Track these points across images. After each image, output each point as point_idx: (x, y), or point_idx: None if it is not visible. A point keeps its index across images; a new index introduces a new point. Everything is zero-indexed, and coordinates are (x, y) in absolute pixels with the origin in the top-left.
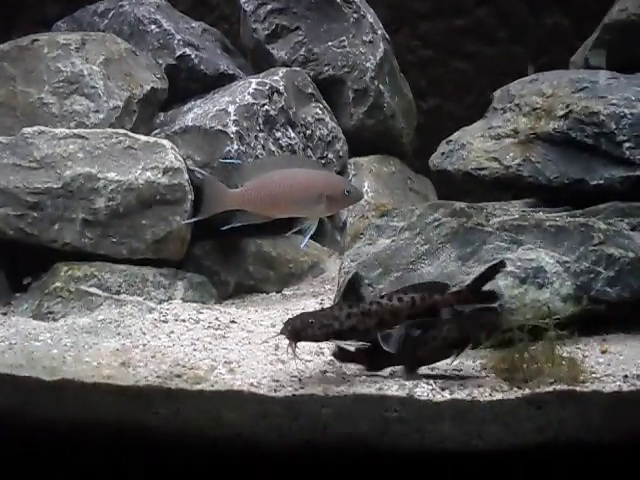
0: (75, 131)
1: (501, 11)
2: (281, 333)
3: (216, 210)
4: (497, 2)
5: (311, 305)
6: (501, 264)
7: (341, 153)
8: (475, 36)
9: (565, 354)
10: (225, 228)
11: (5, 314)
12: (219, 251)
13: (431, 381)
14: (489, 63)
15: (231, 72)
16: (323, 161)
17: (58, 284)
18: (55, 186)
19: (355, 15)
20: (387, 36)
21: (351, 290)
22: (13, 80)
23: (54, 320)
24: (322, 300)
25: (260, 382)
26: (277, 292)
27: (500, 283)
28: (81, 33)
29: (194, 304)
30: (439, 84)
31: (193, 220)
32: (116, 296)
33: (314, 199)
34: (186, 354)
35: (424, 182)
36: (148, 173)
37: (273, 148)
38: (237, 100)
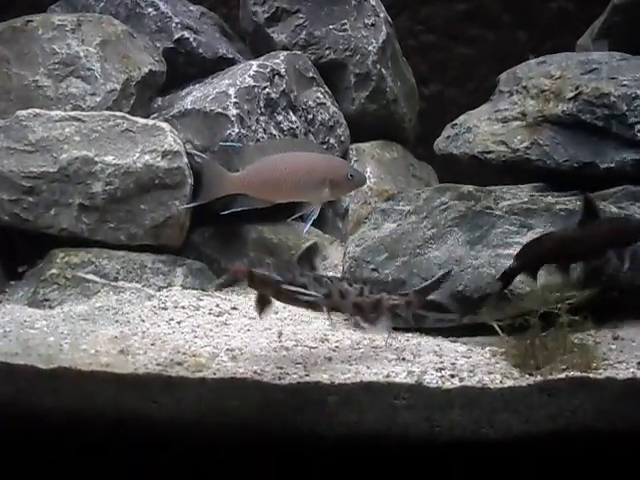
0: (71, 114)
1: None
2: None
3: (216, 194)
4: None
5: None
6: (447, 274)
7: (343, 138)
8: (478, 20)
9: (577, 341)
10: (225, 213)
11: (0, 302)
12: (219, 238)
13: (440, 367)
14: (492, 48)
15: (230, 56)
16: (325, 146)
17: (54, 271)
18: (51, 170)
19: None
20: (390, 19)
21: (305, 258)
22: (7, 62)
23: (50, 308)
24: None
25: (264, 369)
26: None
27: None
28: (77, 14)
29: (194, 291)
30: (441, 69)
31: (192, 205)
32: (114, 283)
33: (317, 183)
34: (187, 341)
35: (426, 169)
36: (147, 156)
37: (274, 132)
38: (238, 82)
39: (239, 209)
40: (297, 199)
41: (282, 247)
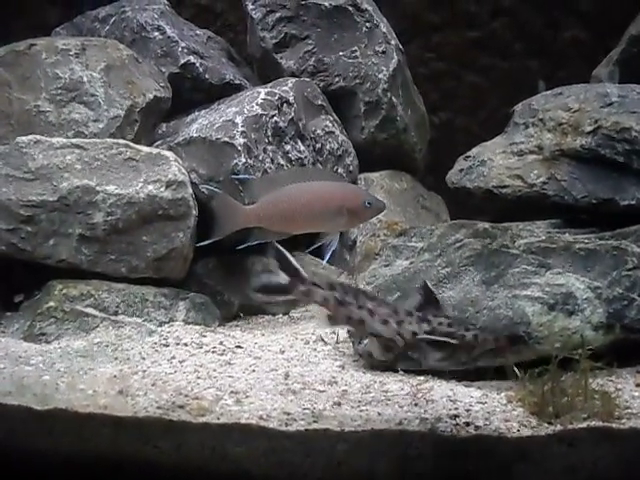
0: (73, 141)
1: (517, 23)
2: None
3: (231, 229)
4: (513, 14)
5: (320, 328)
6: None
7: (351, 168)
8: (489, 49)
9: (597, 386)
10: (241, 247)
11: None
12: (223, 269)
13: (454, 414)
14: (504, 77)
15: (237, 82)
16: None
17: (52, 303)
18: (51, 199)
19: (368, 24)
20: (401, 47)
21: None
22: (8, 86)
23: (47, 342)
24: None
25: (270, 415)
26: (284, 314)
27: (528, 310)
28: (81, 38)
29: (196, 327)
30: (451, 98)
31: (208, 242)
32: (114, 317)
33: (334, 213)
34: (189, 382)
35: (435, 199)
36: (150, 186)
37: (282, 162)
38: (245, 111)
39: (254, 242)
40: (314, 230)
41: None
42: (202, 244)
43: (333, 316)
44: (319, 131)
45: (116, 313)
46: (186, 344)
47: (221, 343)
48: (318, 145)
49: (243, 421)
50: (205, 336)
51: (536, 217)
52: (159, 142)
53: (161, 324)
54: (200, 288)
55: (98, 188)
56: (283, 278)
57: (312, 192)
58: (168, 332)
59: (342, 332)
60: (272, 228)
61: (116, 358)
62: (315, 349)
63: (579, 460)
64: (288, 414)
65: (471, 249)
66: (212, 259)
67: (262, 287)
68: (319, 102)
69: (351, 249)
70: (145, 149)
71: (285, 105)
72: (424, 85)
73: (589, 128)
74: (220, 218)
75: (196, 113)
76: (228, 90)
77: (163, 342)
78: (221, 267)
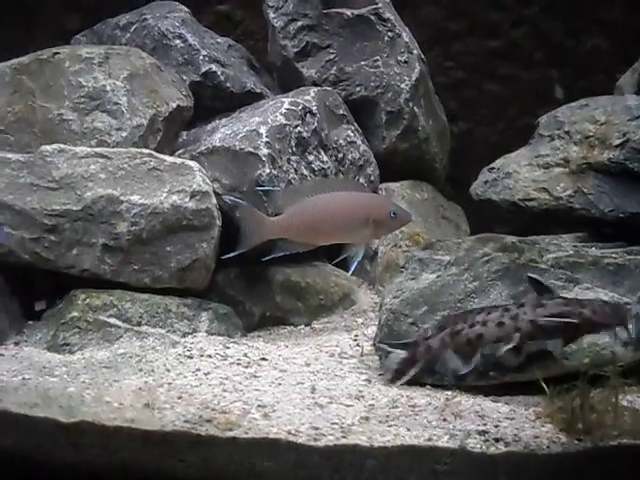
0: (97, 150)
1: (537, 33)
2: None
3: (257, 241)
4: (533, 23)
5: (344, 340)
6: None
7: (372, 178)
8: (510, 58)
9: (627, 404)
10: (266, 259)
11: (17, 344)
12: (244, 279)
13: (483, 430)
14: (524, 87)
15: (258, 90)
16: None
17: (75, 313)
18: (74, 208)
19: (390, 34)
20: (423, 56)
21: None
22: (32, 95)
23: (70, 353)
24: (356, 335)
25: (298, 429)
26: (306, 325)
27: None
28: (104, 47)
29: (220, 337)
30: (471, 107)
31: (234, 254)
32: (137, 328)
33: (359, 224)
34: (215, 395)
35: (456, 210)
36: (174, 197)
37: (305, 172)
38: (269, 121)
39: (280, 254)
40: (340, 241)
41: (310, 291)
42: (227, 256)
43: (458, 348)
44: (341, 141)
45: (139, 324)
46: (210, 356)
47: (245, 355)
48: (340, 155)
49: (272, 436)
50: (229, 347)
51: (558, 230)
52: (181, 151)
53: (184, 335)
54: (221, 298)
55: (122, 198)
56: (402, 354)
57: (337, 203)
58: (192, 343)
59: (366, 345)
60: (297, 240)
61: (140, 369)
62: (340, 362)
63: (610, 478)
64: (316, 429)
65: (499, 263)
66: (233, 269)
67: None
68: (341, 112)
69: (372, 259)
70: (169, 159)
71: (308, 115)
72: (443, 94)
73: (617, 141)
74: (245, 230)
75: (217, 122)
76: (249, 98)
77: (187, 353)
78: (243, 277)
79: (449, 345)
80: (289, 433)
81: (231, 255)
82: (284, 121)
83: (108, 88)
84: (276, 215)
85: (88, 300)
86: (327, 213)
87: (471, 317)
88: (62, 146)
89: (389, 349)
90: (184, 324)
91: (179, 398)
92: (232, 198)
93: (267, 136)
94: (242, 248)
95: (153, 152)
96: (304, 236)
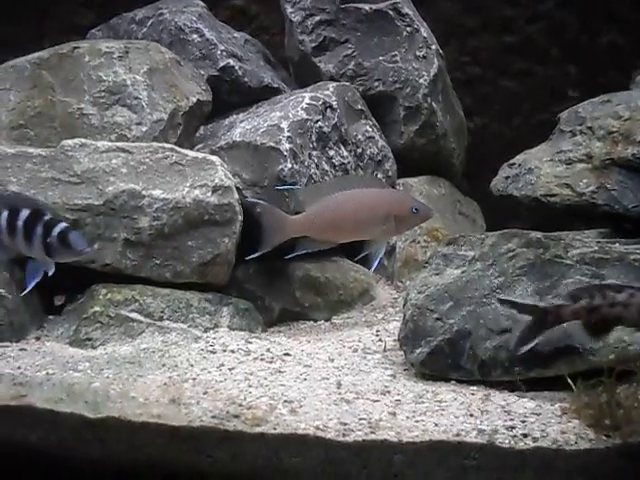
0: (119, 144)
1: (553, 29)
2: None
3: (279, 240)
4: (549, 19)
5: (366, 336)
6: None
7: (390, 173)
8: (526, 54)
9: None
10: (289, 257)
11: (39, 339)
12: (263, 275)
13: (510, 425)
14: (540, 83)
15: (275, 85)
16: None
17: (97, 308)
18: (96, 203)
19: (408, 29)
20: (441, 51)
21: None
22: (52, 89)
23: (93, 348)
24: (378, 331)
25: (326, 425)
26: (326, 320)
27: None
28: (124, 41)
29: (241, 333)
30: (486, 103)
31: (257, 255)
32: (159, 323)
33: (381, 220)
34: (241, 391)
35: (472, 205)
36: (196, 191)
37: (326, 167)
38: (290, 115)
39: (302, 252)
40: (362, 238)
41: (330, 286)
42: (251, 257)
43: (591, 325)
44: (360, 136)
45: (161, 318)
46: (233, 351)
47: (268, 350)
48: (359, 150)
49: (300, 431)
50: (251, 342)
51: (575, 226)
52: (200, 146)
53: (206, 330)
54: (240, 293)
55: (144, 192)
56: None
57: (359, 200)
58: (214, 338)
59: (389, 340)
60: (320, 237)
61: (164, 365)
62: (364, 357)
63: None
64: (345, 424)
65: (524, 259)
66: (253, 264)
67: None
68: (359, 107)
69: (390, 255)
70: (191, 153)
71: (329, 110)
72: (459, 89)
73: None
74: (267, 230)
75: (234, 116)
76: (266, 93)
77: (210, 349)
78: (262, 272)
79: (582, 318)
80: (317, 429)
81: (254, 256)
82: (305, 116)
83: (128, 82)
84: (297, 213)
85: (110, 295)
86: (349, 210)
87: (610, 295)
88: (83, 140)
89: (516, 302)
90: (206, 319)
91: (205, 393)
92: (253, 200)
93: (289, 131)
94: (264, 248)
95: (175, 147)
96: (326, 234)
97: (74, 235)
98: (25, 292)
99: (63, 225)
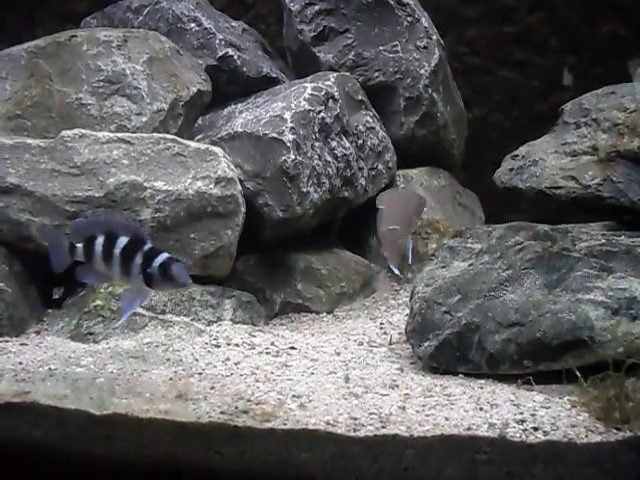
0: (119, 135)
1: (553, 19)
2: None
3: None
4: (549, 9)
5: (370, 329)
6: None
7: (390, 164)
8: (525, 44)
9: None
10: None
11: (39, 333)
12: (264, 266)
13: (520, 419)
14: (539, 73)
15: (274, 75)
16: (373, 172)
17: (98, 302)
18: (97, 195)
19: (409, 19)
20: (442, 42)
21: None
22: (49, 78)
23: (95, 342)
24: (382, 324)
25: (337, 420)
26: (328, 313)
27: (591, 314)
28: (122, 30)
29: (244, 326)
30: (485, 93)
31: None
32: (162, 316)
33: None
34: (248, 385)
35: (471, 196)
36: (199, 183)
37: (329, 158)
38: (292, 106)
39: None
40: None
41: (332, 279)
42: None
43: None
44: (360, 127)
45: (164, 312)
46: (237, 344)
47: (273, 344)
48: (360, 141)
49: (311, 427)
50: (255, 336)
51: (577, 218)
52: (199, 136)
53: (209, 323)
54: (241, 285)
55: (146, 184)
56: None
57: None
58: (217, 332)
59: (394, 333)
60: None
61: (168, 359)
62: (371, 351)
63: None
64: (355, 419)
65: (532, 252)
66: (253, 256)
67: None
68: (359, 97)
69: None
70: (193, 144)
71: (331, 101)
72: (457, 79)
73: None
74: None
75: (233, 106)
76: (265, 83)
77: (214, 342)
78: (262, 264)
79: None
80: (328, 424)
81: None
82: (308, 107)
83: (128, 72)
84: None
85: (110, 288)
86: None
87: None
88: (83, 131)
89: None
90: (208, 312)
91: (212, 388)
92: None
93: (292, 122)
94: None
95: (176, 138)
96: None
97: (177, 267)
98: (120, 321)
99: (165, 255)
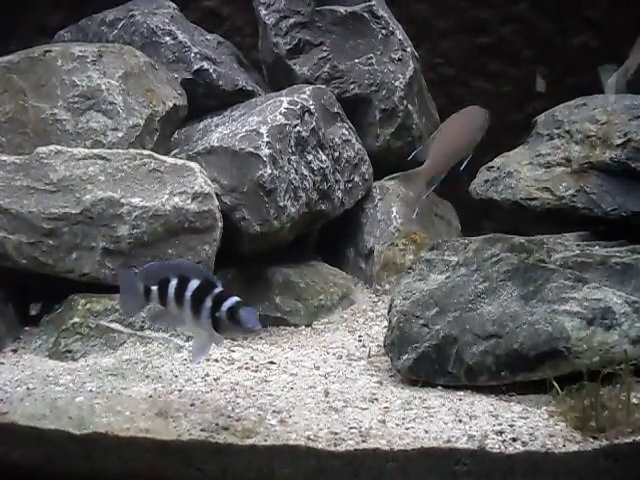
0: (95, 151)
1: (526, 30)
2: None
3: (424, 189)
4: (522, 21)
5: (349, 342)
6: None
7: (367, 176)
8: (498, 55)
9: (637, 401)
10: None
11: (16, 351)
12: (242, 281)
13: (499, 430)
14: (512, 83)
15: (250, 88)
16: (349, 185)
17: (76, 319)
18: (73, 211)
19: (384, 31)
20: (416, 54)
21: None
22: (23, 94)
23: (73, 360)
24: (360, 336)
25: (317, 435)
26: (306, 325)
27: (567, 324)
28: (97, 45)
29: (224, 341)
30: (460, 104)
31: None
32: (140, 333)
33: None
34: (228, 402)
35: (447, 207)
36: (176, 199)
37: (305, 172)
38: (269, 120)
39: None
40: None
41: (310, 291)
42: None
43: None
44: (336, 139)
45: (142, 328)
46: (217, 360)
47: (252, 358)
48: (336, 154)
49: (291, 442)
50: (234, 351)
51: (552, 228)
52: (175, 151)
53: (188, 339)
54: None
55: (123, 200)
56: None
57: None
58: None
59: (373, 345)
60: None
61: (147, 376)
62: (350, 364)
63: (625, 476)
64: (335, 433)
65: (508, 264)
66: (231, 270)
67: None
68: (335, 110)
69: (367, 257)
70: (170, 160)
71: (307, 114)
72: (432, 91)
73: (619, 141)
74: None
75: (209, 120)
76: (240, 96)
77: None
78: (240, 278)
79: None
80: (308, 439)
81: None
82: (284, 121)
83: (103, 87)
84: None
85: (89, 305)
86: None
87: None
88: (59, 147)
89: None
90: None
91: (192, 405)
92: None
93: (268, 136)
94: (420, 204)
95: (153, 153)
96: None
97: (245, 311)
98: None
99: (234, 299)
